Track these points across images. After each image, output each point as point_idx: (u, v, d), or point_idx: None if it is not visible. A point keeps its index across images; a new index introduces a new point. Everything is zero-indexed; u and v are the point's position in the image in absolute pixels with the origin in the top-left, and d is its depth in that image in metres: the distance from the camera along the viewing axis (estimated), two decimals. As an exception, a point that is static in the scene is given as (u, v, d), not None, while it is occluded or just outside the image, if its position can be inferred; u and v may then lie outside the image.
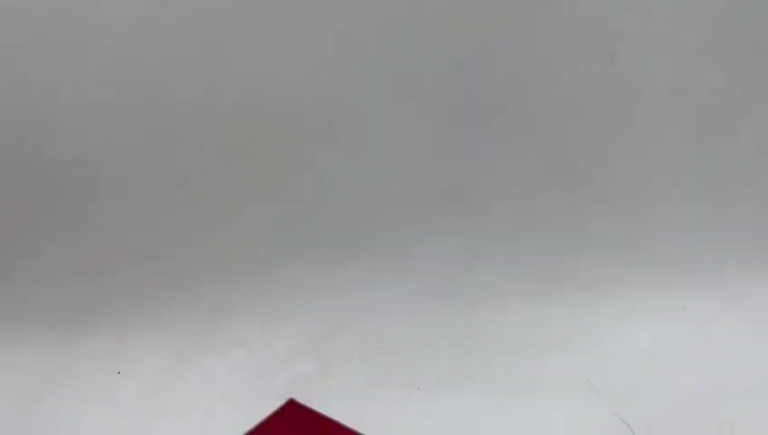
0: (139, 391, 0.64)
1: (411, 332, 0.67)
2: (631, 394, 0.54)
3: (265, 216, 0.73)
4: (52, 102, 0.72)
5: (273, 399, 0.57)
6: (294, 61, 0.70)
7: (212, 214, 0.73)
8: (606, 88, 0.70)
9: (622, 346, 0.61)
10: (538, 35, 0.69)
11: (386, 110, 0.71)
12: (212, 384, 0.64)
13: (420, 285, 0.71)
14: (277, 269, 0.73)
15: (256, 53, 0.70)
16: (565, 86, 0.70)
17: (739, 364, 0.57)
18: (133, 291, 0.72)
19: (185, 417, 0.59)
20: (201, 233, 0.73)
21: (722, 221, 0.69)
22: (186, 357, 0.68)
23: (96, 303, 0.72)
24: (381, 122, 0.71)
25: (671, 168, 0.71)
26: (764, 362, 0.57)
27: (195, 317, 0.72)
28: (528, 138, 0.71)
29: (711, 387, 0.54)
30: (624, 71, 0.69)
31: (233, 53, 0.70)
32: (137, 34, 0.70)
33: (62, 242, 0.72)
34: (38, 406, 0.64)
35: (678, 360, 0.58)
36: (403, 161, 0.72)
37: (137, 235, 0.73)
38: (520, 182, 0.71)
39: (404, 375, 0.61)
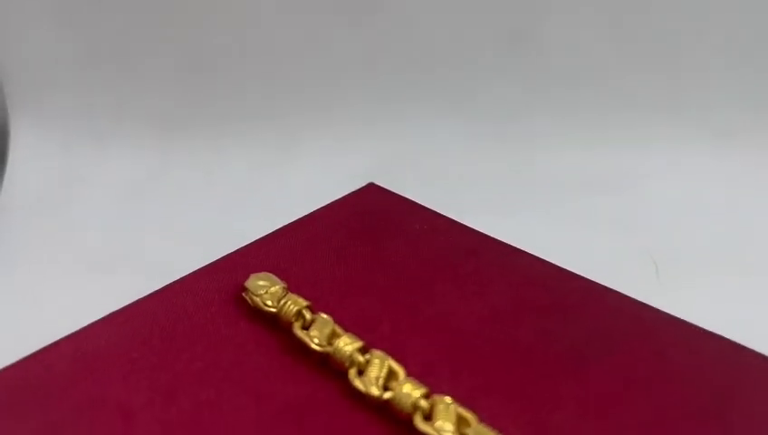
0: (225, 191, 0.72)
1: (467, 167, 0.73)
2: (660, 236, 0.60)
3: (344, 51, 0.76)
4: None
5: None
6: None
7: (297, 43, 0.76)
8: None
9: (658, 195, 0.67)
10: None
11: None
12: (288, 189, 0.72)
13: (479, 126, 0.76)
14: (350, 99, 0.77)
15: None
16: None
17: (763, 221, 0.61)
18: (224, 105, 0.78)
19: (263, 214, 0.64)
20: (288, 59, 0.77)
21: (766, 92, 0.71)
22: (265, 166, 0.75)
23: (191, 111, 0.78)
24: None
25: (724, 35, 0.71)
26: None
27: (274, 133, 0.78)
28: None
29: (732, 236, 0.60)
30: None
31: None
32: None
33: (164, 55, 0.76)
34: (138, 198, 0.72)
35: (706, 212, 0.64)
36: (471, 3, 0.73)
37: (231, 55, 0.77)
38: (580, 33, 0.72)
39: (456, 202, 0.65)
